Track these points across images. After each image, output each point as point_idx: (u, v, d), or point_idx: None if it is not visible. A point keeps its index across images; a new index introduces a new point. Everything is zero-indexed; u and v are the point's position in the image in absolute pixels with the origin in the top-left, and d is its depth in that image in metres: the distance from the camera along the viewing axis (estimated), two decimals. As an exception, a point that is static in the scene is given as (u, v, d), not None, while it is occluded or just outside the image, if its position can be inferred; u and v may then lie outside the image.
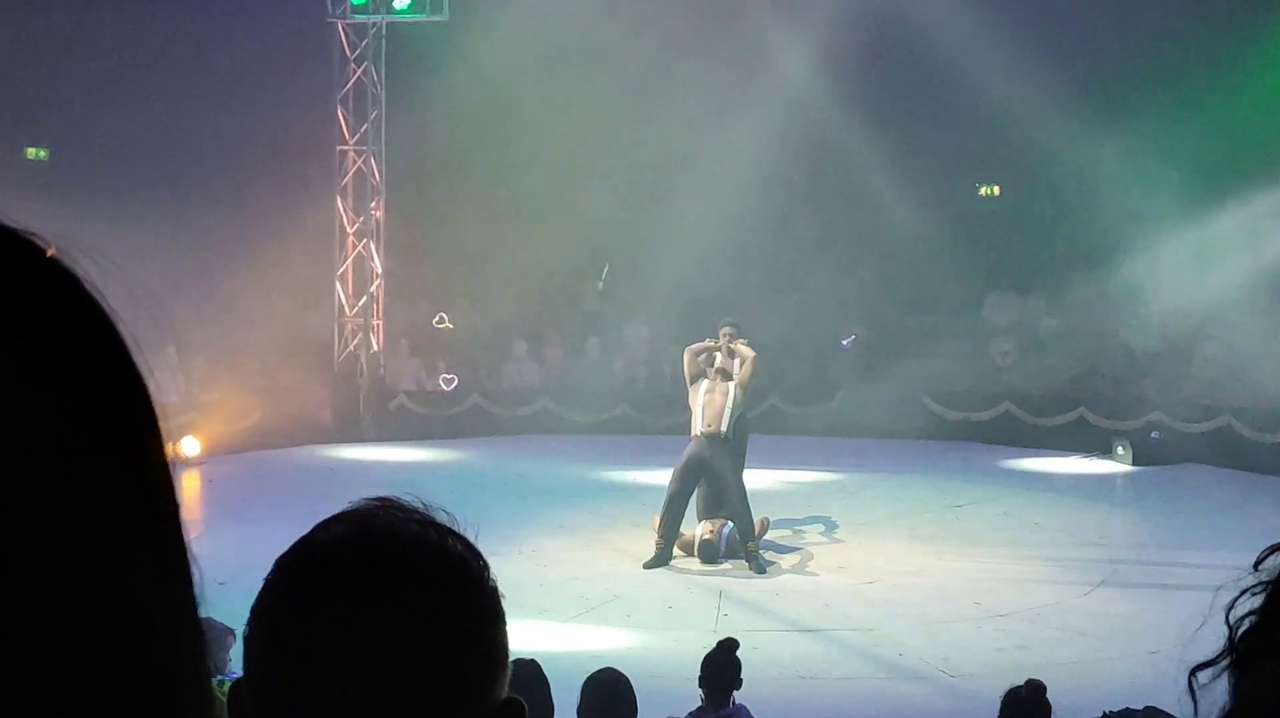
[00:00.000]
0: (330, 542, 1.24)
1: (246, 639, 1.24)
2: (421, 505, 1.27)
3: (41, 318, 0.73)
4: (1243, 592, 1.14)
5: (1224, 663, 1.15)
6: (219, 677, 6.14)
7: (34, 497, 0.70)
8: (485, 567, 1.27)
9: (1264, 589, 1.14)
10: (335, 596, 1.20)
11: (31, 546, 0.70)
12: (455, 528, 1.27)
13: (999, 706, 6.38)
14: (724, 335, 13.99)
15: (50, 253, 0.75)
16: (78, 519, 0.71)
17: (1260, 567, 1.15)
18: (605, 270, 24.19)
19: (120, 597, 0.73)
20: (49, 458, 0.71)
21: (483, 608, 1.24)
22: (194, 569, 0.78)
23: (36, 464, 0.70)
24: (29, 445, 0.70)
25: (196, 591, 0.78)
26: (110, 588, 0.72)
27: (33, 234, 0.75)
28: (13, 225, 0.75)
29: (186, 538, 0.78)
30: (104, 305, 0.75)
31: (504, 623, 1.26)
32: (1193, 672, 1.17)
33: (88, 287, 0.75)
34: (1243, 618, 1.15)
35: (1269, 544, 1.16)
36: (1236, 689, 1.13)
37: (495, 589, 1.27)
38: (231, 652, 6.26)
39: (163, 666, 0.74)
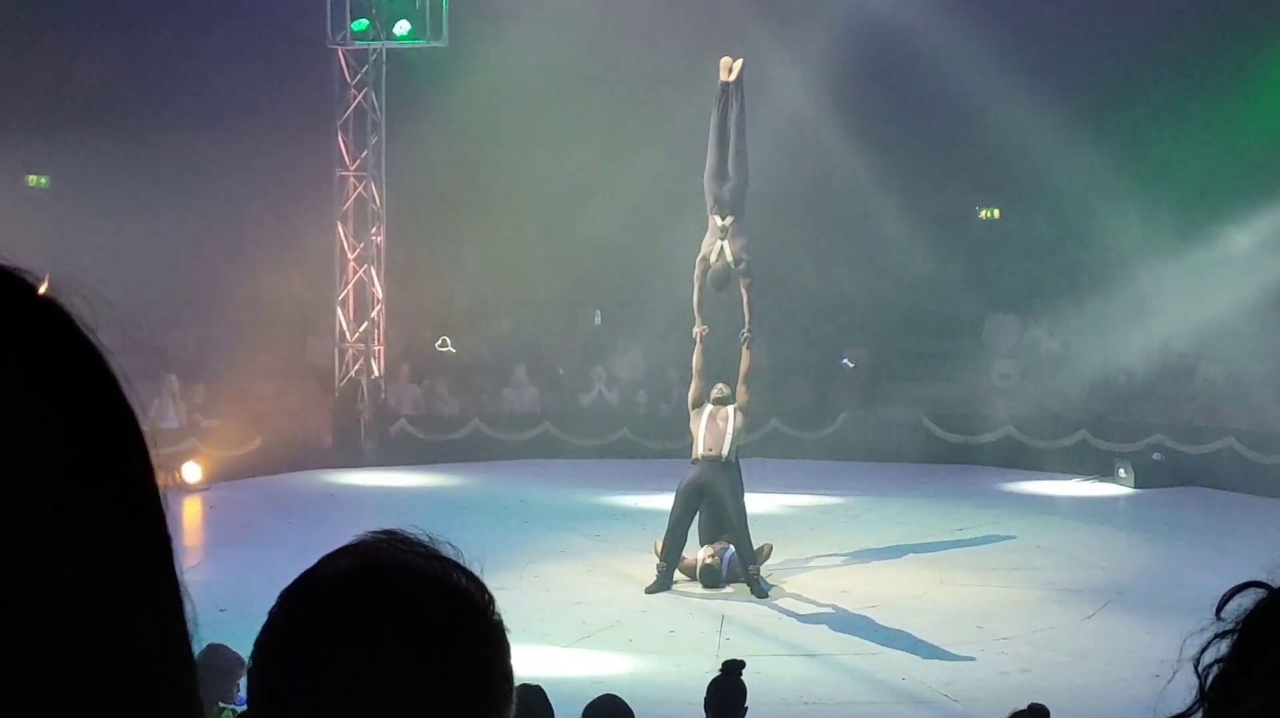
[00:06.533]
0: (335, 576, 1.23)
1: (250, 674, 1.24)
2: (426, 538, 1.26)
3: (32, 356, 0.72)
4: (1210, 640, 1.14)
5: (1197, 712, 1.14)
6: (229, 706, 6.11)
7: (24, 532, 0.70)
8: (490, 600, 1.26)
9: (1230, 635, 1.13)
10: (340, 630, 1.19)
11: (23, 579, 0.69)
12: (460, 561, 1.26)
13: (1003, 730, 6.36)
14: (717, 390, 14.13)
15: (41, 290, 0.74)
16: (67, 551, 0.71)
17: (1223, 613, 1.14)
18: (597, 315, 24.18)
19: (112, 627, 0.72)
20: (41, 493, 0.71)
21: (488, 641, 1.24)
22: (186, 598, 0.77)
23: (27, 499, 0.70)
24: (20, 481, 0.70)
25: (189, 619, 0.77)
26: (102, 618, 0.72)
27: (24, 271, 0.74)
28: (4, 263, 0.74)
29: (179, 569, 0.77)
30: (95, 341, 0.75)
31: (509, 656, 1.26)
32: None
33: (79, 323, 0.75)
34: (1210, 666, 1.14)
35: (1231, 586, 1.15)
36: None
37: (500, 623, 1.26)
38: (241, 681, 6.26)
39: (154, 695, 0.74)
